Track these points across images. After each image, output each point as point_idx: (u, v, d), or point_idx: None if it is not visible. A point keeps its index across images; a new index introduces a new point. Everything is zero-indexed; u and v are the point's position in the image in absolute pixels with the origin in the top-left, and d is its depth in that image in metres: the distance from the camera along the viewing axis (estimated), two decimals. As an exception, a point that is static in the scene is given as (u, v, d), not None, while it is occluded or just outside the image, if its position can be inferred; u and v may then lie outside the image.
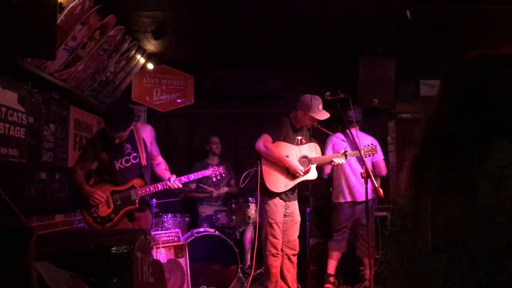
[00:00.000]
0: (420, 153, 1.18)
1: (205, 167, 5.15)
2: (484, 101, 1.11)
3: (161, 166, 4.18)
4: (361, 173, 4.51)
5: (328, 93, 4.30)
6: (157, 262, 3.25)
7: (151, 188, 3.89)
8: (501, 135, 1.06)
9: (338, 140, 5.04)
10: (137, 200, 3.84)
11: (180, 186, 4.04)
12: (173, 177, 4.04)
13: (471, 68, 1.19)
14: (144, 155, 3.95)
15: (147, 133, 4.13)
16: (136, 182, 3.87)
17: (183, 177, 4.04)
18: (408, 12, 4.63)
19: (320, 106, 4.40)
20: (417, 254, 1.09)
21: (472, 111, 1.11)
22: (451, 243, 1.02)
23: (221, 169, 4.26)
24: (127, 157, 3.89)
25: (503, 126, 1.07)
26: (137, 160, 3.90)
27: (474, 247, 0.98)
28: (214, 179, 5.89)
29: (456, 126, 1.12)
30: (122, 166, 3.87)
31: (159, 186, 3.93)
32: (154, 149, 4.16)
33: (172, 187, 4.00)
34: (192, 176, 4.07)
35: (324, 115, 4.43)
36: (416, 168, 1.18)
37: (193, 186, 5.91)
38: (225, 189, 6.03)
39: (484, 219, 0.97)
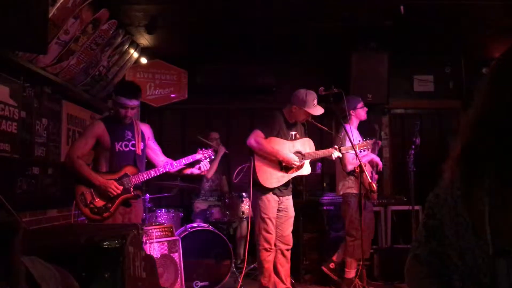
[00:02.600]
0: (473, 144, 1.09)
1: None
2: None
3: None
4: (354, 168, 4.53)
5: (321, 88, 4.30)
6: (150, 257, 3.25)
7: (145, 175, 3.89)
8: None
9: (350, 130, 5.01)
10: (131, 188, 3.84)
11: (172, 169, 4.04)
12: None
13: None
14: (141, 145, 3.98)
15: (146, 128, 4.16)
16: (129, 169, 3.86)
17: (174, 162, 4.04)
18: (402, 8, 4.63)
19: (315, 101, 4.40)
20: (480, 251, 1.04)
21: None
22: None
23: (210, 151, 4.23)
24: (127, 142, 3.92)
25: None
26: (134, 148, 3.93)
27: None
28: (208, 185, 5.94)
29: None
30: (122, 149, 3.89)
31: (152, 173, 3.93)
32: (157, 148, 4.18)
33: (164, 171, 4.02)
34: (184, 161, 4.07)
35: (319, 111, 4.42)
36: (468, 160, 1.09)
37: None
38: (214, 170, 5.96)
39: None
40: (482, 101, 1.12)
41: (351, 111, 4.92)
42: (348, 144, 4.70)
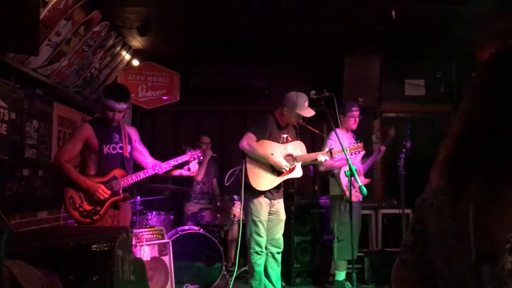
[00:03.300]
0: (460, 149, 1.09)
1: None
2: None
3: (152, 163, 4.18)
4: (344, 172, 4.55)
5: (313, 92, 4.32)
6: (139, 260, 3.24)
7: (133, 177, 3.89)
8: None
9: (340, 134, 5.03)
10: (120, 191, 3.83)
11: (161, 171, 4.04)
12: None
13: None
14: (128, 148, 3.97)
15: (132, 131, 4.16)
16: (117, 172, 3.86)
17: (163, 164, 4.04)
18: (393, 12, 4.66)
19: (306, 103, 4.41)
20: (464, 257, 1.04)
21: None
22: (498, 254, 0.96)
23: (198, 152, 4.23)
24: (114, 145, 3.91)
25: None
26: (122, 151, 3.92)
27: None
28: (199, 188, 5.93)
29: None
30: (109, 152, 3.88)
31: (141, 175, 3.92)
32: (144, 150, 4.17)
33: (153, 173, 4.02)
34: (172, 162, 4.07)
35: (309, 112, 4.44)
36: (455, 165, 1.09)
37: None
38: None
39: None
40: (469, 106, 1.12)
41: (340, 116, 4.94)
42: (325, 148, 4.80)
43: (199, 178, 5.83)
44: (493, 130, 1.04)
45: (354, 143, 4.81)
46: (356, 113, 5.09)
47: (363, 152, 4.97)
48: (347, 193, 4.88)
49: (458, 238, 1.05)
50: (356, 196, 4.94)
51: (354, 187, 4.92)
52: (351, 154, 4.75)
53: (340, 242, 4.94)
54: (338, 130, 4.98)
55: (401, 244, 1.26)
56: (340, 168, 4.94)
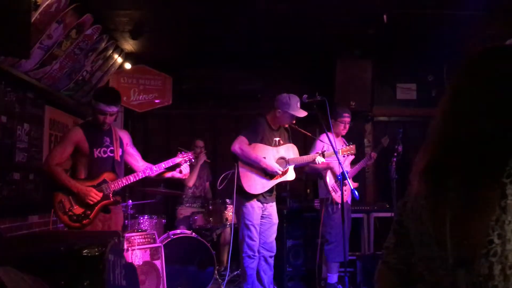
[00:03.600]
0: (438, 156, 1.11)
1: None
2: None
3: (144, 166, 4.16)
4: (337, 175, 4.57)
5: (305, 96, 4.33)
6: (130, 264, 3.22)
7: (124, 181, 3.86)
8: None
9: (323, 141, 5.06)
10: (110, 194, 3.81)
11: (152, 174, 4.01)
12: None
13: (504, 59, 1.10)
14: (119, 151, 3.95)
15: (124, 134, 4.14)
16: (108, 176, 3.83)
17: (154, 167, 4.02)
18: (385, 17, 4.69)
19: (298, 104, 4.42)
20: (442, 261, 1.06)
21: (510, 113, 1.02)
22: (474, 259, 0.98)
23: (189, 154, 4.22)
24: (105, 149, 3.88)
25: None
26: (113, 154, 3.90)
27: (505, 258, 0.94)
28: (191, 192, 5.92)
29: (489, 126, 1.03)
30: (100, 155, 3.85)
31: (131, 178, 3.90)
32: (136, 153, 4.16)
33: (144, 176, 4.00)
34: (163, 165, 4.05)
35: (302, 113, 4.45)
36: (432, 172, 1.11)
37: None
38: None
39: None
40: (443, 114, 1.14)
41: (332, 121, 4.94)
42: (313, 151, 4.86)
43: (191, 184, 5.82)
44: (466, 137, 1.06)
45: (346, 145, 4.84)
46: (347, 119, 5.10)
47: (352, 157, 4.99)
48: (333, 194, 4.92)
49: (436, 243, 1.07)
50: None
51: (340, 190, 4.96)
52: (343, 156, 4.77)
53: (330, 244, 4.96)
54: (323, 135, 5.02)
55: (384, 246, 1.28)
56: (325, 170, 4.95)
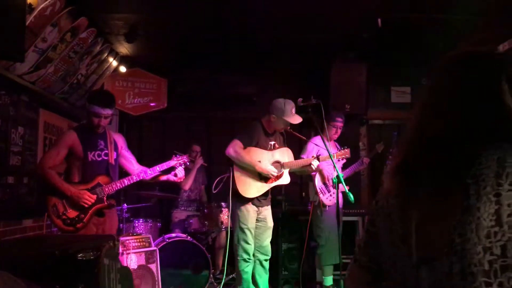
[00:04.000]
0: (410, 156, 1.14)
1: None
2: (491, 100, 1.06)
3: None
4: (331, 178, 4.57)
5: (300, 99, 4.33)
6: (126, 268, 3.21)
7: (118, 184, 3.85)
8: (504, 138, 1.01)
9: (321, 142, 5.06)
10: (105, 198, 3.79)
11: (146, 177, 4.00)
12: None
13: (477, 64, 1.13)
14: (114, 155, 3.94)
15: (119, 138, 4.13)
16: (102, 179, 3.82)
17: (148, 170, 4.01)
18: (379, 20, 4.71)
19: (293, 110, 4.43)
20: (407, 259, 1.08)
21: (478, 110, 1.06)
22: (436, 257, 1.01)
23: (184, 157, 4.21)
24: (99, 152, 3.87)
25: (504, 131, 1.03)
26: (107, 157, 3.88)
27: (464, 257, 0.96)
28: (186, 195, 5.90)
29: (455, 127, 1.07)
30: (94, 159, 3.84)
31: (126, 181, 3.89)
32: (131, 157, 4.15)
33: (138, 179, 3.98)
34: (158, 168, 4.04)
35: (297, 119, 4.45)
36: (403, 171, 1.14)
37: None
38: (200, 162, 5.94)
39: (476, 229, 0.95)
40: (418, 115, 1.16)
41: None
42: (304, 155, 4.89)
43: (187, 187, 5.81)
44: (435, 138, 1.08)
45: (341, 149, 4.85)
46: (339, 124, 5.11)
47: (343, 161, 5.00)
48: (320, 196, 4.93)
49: (402, 241, 1.09)
50: (330, 200, 4.98)
51: (329, 191, 4.98)
52: (338, 160, 4.78)
53: (322, 247, 4.98)
54: (318, 138, 5.03)
55: (357, 245, 1.30)
56: (314, 173, 4.96)
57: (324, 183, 5.03)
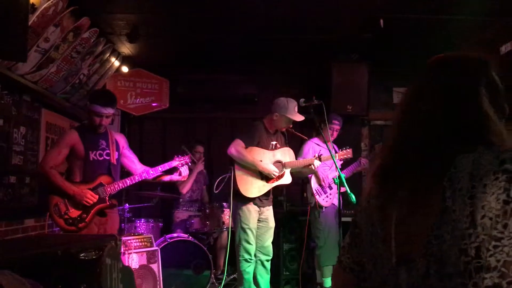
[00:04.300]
0: (391, 158, 1.16)
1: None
2: (466, 108, 1.09)
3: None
4: (333, 178, 4.57)
5: (302, 100, 4.33)
6: (127, 268, 3.21)
7: (120, 184, 3.85)
8: (480, 142, 1.03)
9: (315, 145, 5.07)
10: (107, 198, 3.80)
11: (148, 177, 4.01)
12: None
13: (455, 72, 1.15)
14: (115, 155, 3.94)
15: (120, 137, 4.14)
16: (104, 179, 3.82)
17: (150, 170, 4.01)
18: (381, 21, 4.71)
19: (296, 108, 4.43)
20: (387, 260, 1.10)
21: (454, 118, 1.08)
22: (414, 258, 1.03)
23: (186, 158, 4.21)
24: (101, 152, 3.87)
25: (480, 134, 1.06)
26: (109, 157, 3.89)
27: (440, 258, 0.97)
28: (188, 196, 5.90)
29: (433, 130, 1.09)
30: (96, 158, 3.84)
31: (128, 182, 3.89)
32: (133, 156, 4.15)
33: (140, 179, 3.99)
34: (160, 168, 4.05)
35: (299, 117, 4.46)
36: (384, 173, 1.16)
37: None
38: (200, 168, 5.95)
39: (452, 231, 0.96)
40: (399, 117, 1.19)
41: (322, 125, 4.95)
42: (300, 156, 4.92)
43: (185, 190, 5.80)
44: (415, 140, 1.11)
45: (338, 150, 4.86)
46: (336, 126, 5.11)
47: (341, 161, 5.00)
48: (316, 197, 4.94)
49: (383, 242, 1.11)
50: (327, 201, 4.98)
51: (325, 193, 4.98)
52: (340, 161, 4.78)
53: (320, 249, 4.99)
54: (316, 139, 5.03)
55: (341, 246, 1.32)
56: (310, 174, 4.96)
57: (320, 185, 5.03)
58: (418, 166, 1.07)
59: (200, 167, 5.84)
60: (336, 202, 5.03)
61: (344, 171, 5.27)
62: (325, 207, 4.99)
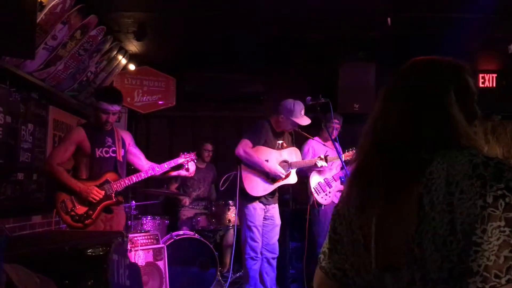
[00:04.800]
0: (366, 161, 1.15)
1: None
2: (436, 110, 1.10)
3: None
4: (340, 177, 4.56)
5: (309, 98, 4.33)
6: (134, 264, 3.23)
7: (126, 181, 3.87)
8: (450, 146, 1.04)
9: (317, 143, 5.07)
10: (113, 195, 3.81)
11: (155, 173, 4.02)
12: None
13: (427, 74, 1.16)
14: (122, 152, 3.96)
15: (126, 135, 4.16)
16: (110, 176, 3.84)
17: (156, 167, 4.02)
18: (389, 20, 4.69)
19: (302, 112, 4.43)
20: (370, 267, 1.09)
21: (424, 119, 1.09)
22: (397, 266, 1.03)
23: (192, 155, 4.23)
24: (107, 149, 3.89)
25: (448, 137, 1.06)
26: (115, 154, 3.90)
27: (424, 265, 0.98)
28: (196, 180, 5.91)
29: (404, 134, 1.09)
30: (102, 155, 3.86)
31: (134, 178, 3.90)
32: (139, 153, 4.17)
33: (147, 176, 4.01)
34: (166, 165, 4.06)
35: (306, 121, 4.45)
36: (359, 179, 1.16)
37: (174, 187, 5.89)
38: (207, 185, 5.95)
39: (433, 238, 0.96)
40: (371, 120, 1.19)
41: (322, 124, 4.92)
42: (308, 156, 4.91)
43: (187, 202, 5.80)
44: (390, 145, 1.10)
45: (351, 149, 4.84)
46: (336, 125, 5.09)
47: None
48: (315, 196, 4.93)
49: (365, 248, 1.11)
50: (326, 199, 4.98)
51: (325, 191, 4.97)
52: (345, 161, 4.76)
53: (319, 247, 4.98)
54: (316, 138, 5.02)
55: (321, 251, 1.30)
56: (309, 172, 4.95)
57: (319, 182, 5.01)
58: (392, 172, 1.07)
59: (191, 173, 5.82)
60: (336, 200, 5.03)
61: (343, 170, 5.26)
62: (324, 205, 4.99)
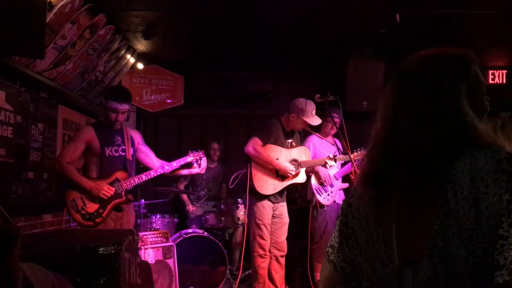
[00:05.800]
0: (378, 169, 1.15)
1: None
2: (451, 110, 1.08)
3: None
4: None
5: (318, 95, 4.32)
6: (145, 263, 3.24)
7: (136, 180, 3.89)
8: (474, 147, 1.03)
9: (318, 139, 5.04)
10: (123, 193, 3.83)
11: (164, 171, 4.04)
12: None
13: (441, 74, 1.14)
14: (131, 151, 3.98)
15: (135, 134, 4.18)
16: (120, 174, 3.86)
17: (166, 165, 4.04)
18: (397, 16, 4.66)
19: (314, 111, 4.42)
20: (389, 261, 1.10)
21: (436, 124, 1.08)
22: (419, 259, 1.04)
23: (201, 153, 4.24)
24: (116, 147, 3.91)
25: (473, 137, 1.05)
26: (124, 153, 3.92)
27: (447, 259, 0.98)
28: (205, 179, 5.92)
29: (425, 138, 1.08)
30: (111, 154, 3.88)
31: (143, 177, 3.92)
32: (149, 151, 4.18)
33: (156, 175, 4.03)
34: (175, 164, 4.08)
35: (316, 121, 4.45)
36: (374, 182, 1.15)
37: (182, 185, 5.91)
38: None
39: (458, 232, 0.97)
40: (381, 129, 1.17)
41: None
42: (310, 151, 4.86)
43: (192, 209, 5.80)
44: (407, 145, 1.10)
45: (359, 149, 4.82)
46: (336, 119, 5.04)
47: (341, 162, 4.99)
48: (316, 196, 4.93)
49: (384, 243, 1.11)
50: (328, 200, 4.96)
51: (326, 191, 4.95)
52: (355, 161, 4.74)
53: (314, 245, 5.02)
54: (316, 136, 4.99)
55: (328, 245, 1.30)
56: (310, 173, 4.93)
57: (321, 183, 4.99)
58: (414, 171, 1.07)
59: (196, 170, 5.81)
60: (338, 199, 5.03)
61: (345, 167, 5.21)
62: (326, 206, 4.98)
